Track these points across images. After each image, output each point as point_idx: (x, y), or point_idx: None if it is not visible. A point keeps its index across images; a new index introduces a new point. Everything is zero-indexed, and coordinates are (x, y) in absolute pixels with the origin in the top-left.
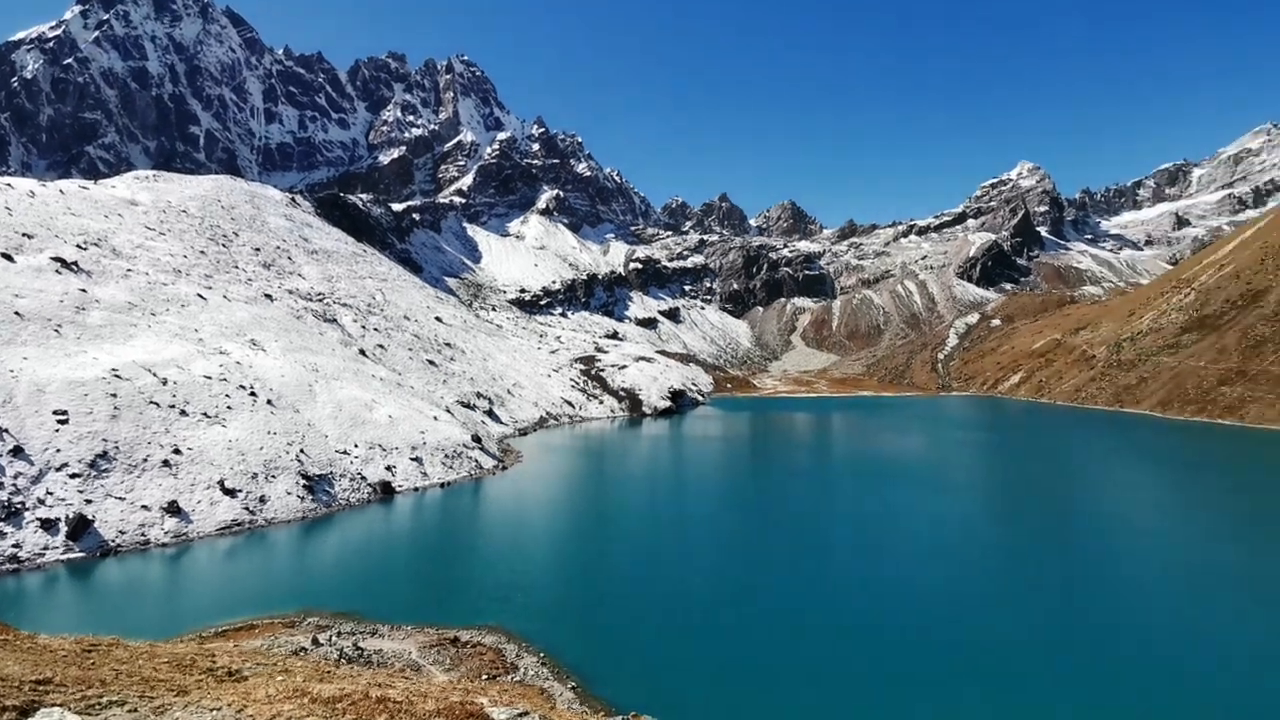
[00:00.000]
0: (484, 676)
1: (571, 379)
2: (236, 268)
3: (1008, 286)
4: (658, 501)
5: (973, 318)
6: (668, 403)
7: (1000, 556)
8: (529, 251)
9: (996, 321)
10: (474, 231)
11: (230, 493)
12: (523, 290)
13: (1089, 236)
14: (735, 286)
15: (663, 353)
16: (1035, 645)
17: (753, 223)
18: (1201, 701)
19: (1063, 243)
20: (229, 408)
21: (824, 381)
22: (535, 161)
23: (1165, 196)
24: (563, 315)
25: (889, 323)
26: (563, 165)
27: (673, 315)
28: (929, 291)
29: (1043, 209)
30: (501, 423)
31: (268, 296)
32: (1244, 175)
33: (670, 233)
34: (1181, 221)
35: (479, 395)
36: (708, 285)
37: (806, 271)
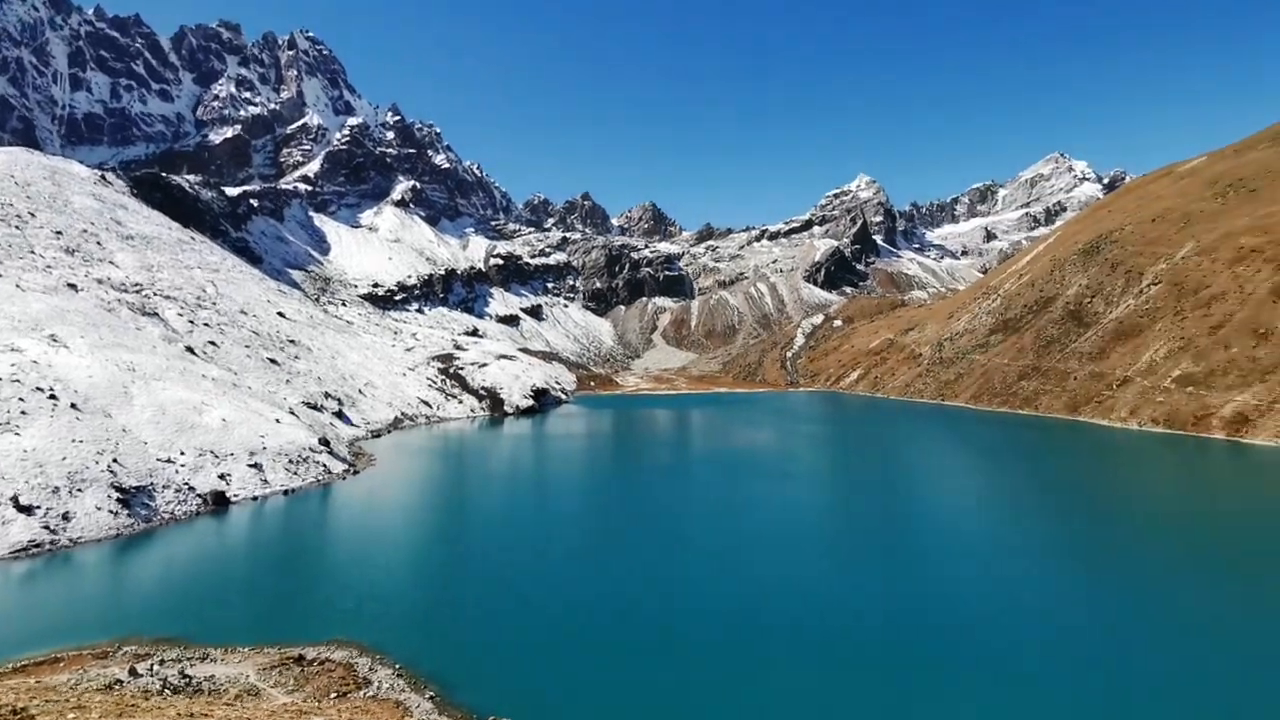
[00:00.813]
0: (333, 695)
1: (429, 378)
2: (32, 253)
3: (848, 290)
4: (519, 502)
5: (818, 318)
6: (530, 401)
7: (849, 540)
8: (383, 244)
9: (838, 322)
10: (322, 221)
11: (26, 510)
12: (376, 285)
13: (916, 246)
14: (598, 285)
15: (525, 350)
16: (883, 622)
17: (615, 222)
18: (1039, 662)
19: (895, 251)
20: (23, 413)
21: (683, 379)
22: (390, 150)
23: (977, 212)
24: (419, 311)
25: (743, 322)
26: (419, 156)
27: (535, 313)
28: (779, 293)
29: (878, 219)
30: (353, 424)
31: (71, 286)
32: (1038, 197)
33: (532, 229)
34: (990, 235)
35: (327, 396)
36: (570, 283)
37: (667, 272)
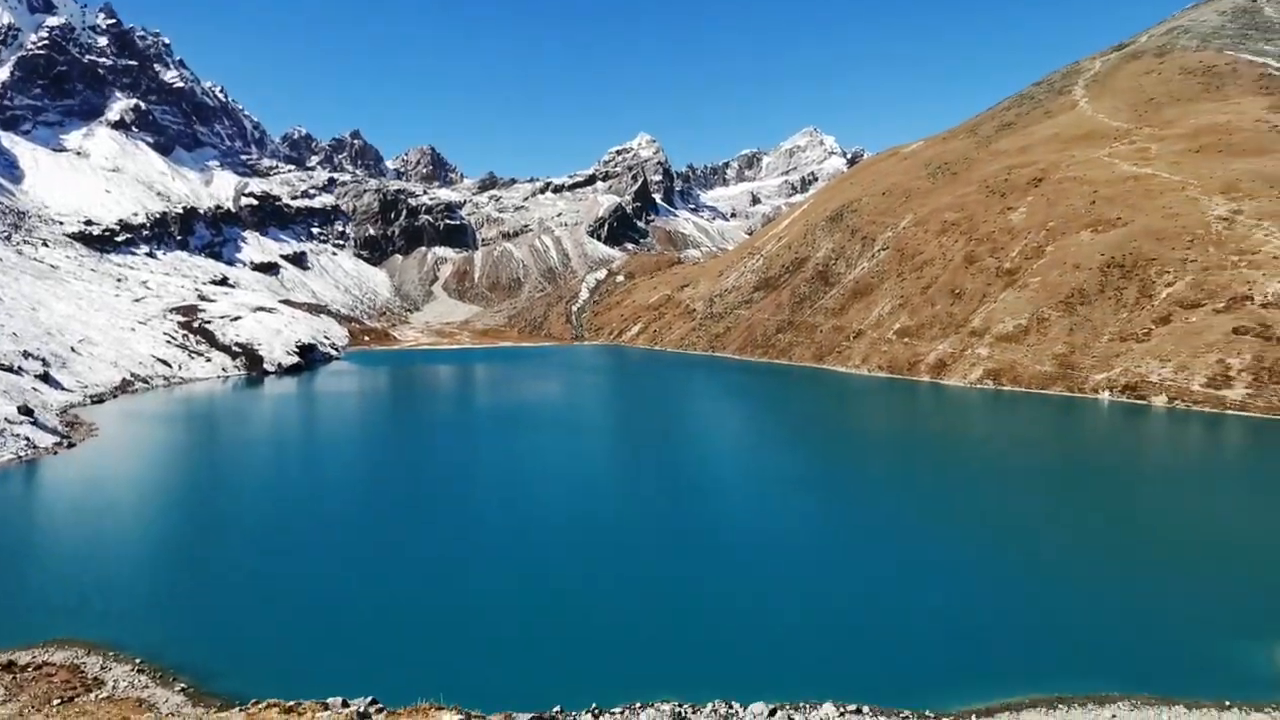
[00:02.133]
0: (55, 701)
1: (167, 333)
2: None
3: (630, 246)
4: (280, 469)
5: (601, 273)
6: (295, 359)
7: (636, 484)
8: (97, 173)
9: (621, 278)
10: (13, 142)
11: None
12: (89, 222)
13: (692, 206)
14: (371, 232)
15: (287, 302)
16: (657, 537)
17: (390, 165)
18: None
19: (673, 210)
20: None
21: (467, 333)
22: (103, 60)
23: (745, 177)
24: (151, 256)
25: (528, 276)
26: (144, 69)
27: (299, 260)
28: (564, 247)
29: (658, 178)
30: (65, 389)
31: None
32: (795, 166)
33: (293, 167)
34: (755, 199)
35: (27, 355)
36: (340, 229)
37: (448, 221)
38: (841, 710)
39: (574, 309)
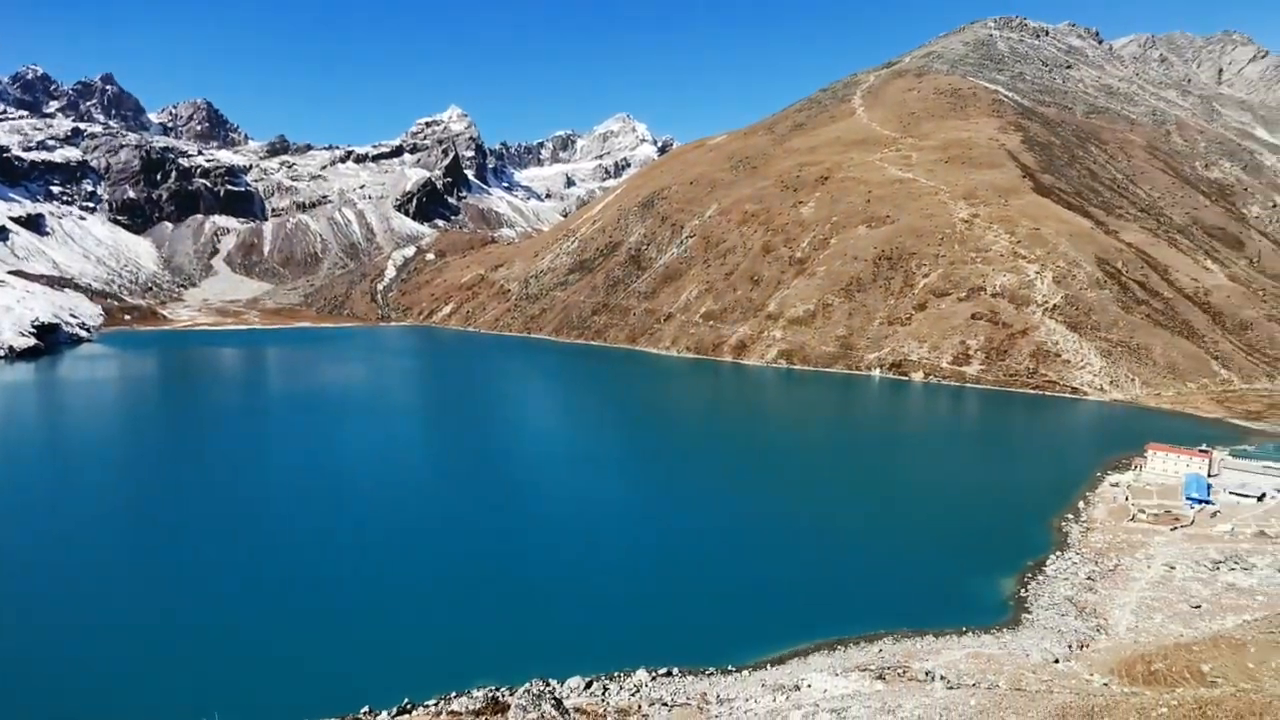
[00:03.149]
0: None
1: None
2: None
3: (441, 223)
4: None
5: (410, 250)
6: (32, 340)
7: (450, 472)
8: None
9: (431, 256)
10: None
11: None
12: None
13: (506, 185)
14: (132, 195)
15: (19, 274)
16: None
17: (154, 118)
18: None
19: (486, 188)
20: None
21: (255, 313)
22: None
23: (559, 159)
24: None
25: (327, 251)
26: None
27: (34, 224)
28: (368, 222)
29: (470, 154)
30: None
31: None
32: (609, 151)
33: (26, 113)
34: (570, 181)
35: None
36: (90, 189)
37: (230, 186)
38: (653, 674)
39: (380, 287)
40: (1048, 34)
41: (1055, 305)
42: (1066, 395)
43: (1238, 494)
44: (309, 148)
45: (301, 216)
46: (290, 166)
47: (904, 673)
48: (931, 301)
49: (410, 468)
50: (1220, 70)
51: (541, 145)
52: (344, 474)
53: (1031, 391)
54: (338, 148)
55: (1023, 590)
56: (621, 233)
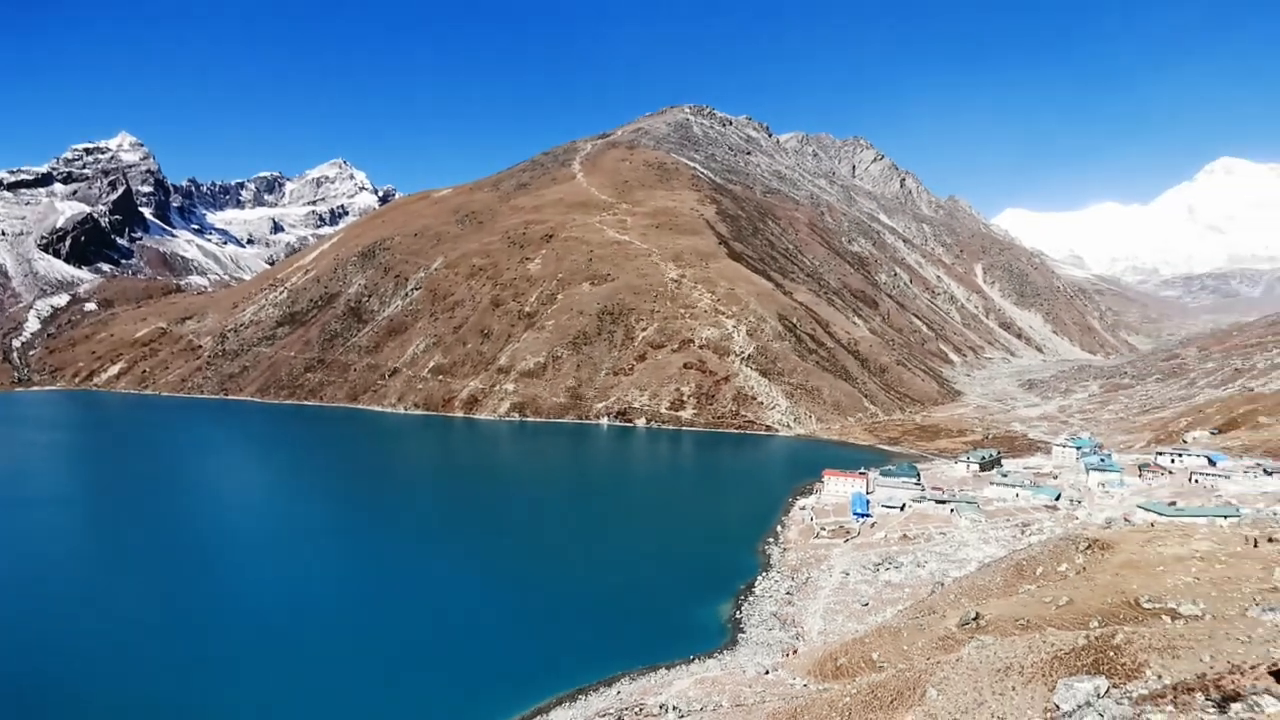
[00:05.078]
0: None
1: None
2: None
3: (106, 268)
4: None
5: (61, 299)
6: None
7: (129, 565)
8: None
9: (92, 305)
10: None
11: None
12: None
13: (196, 227)
14: None
15: None
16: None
17: None
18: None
19: (169, 228)
20: None
21: None
22: None
23: (265, 202)
24: None
25: None
26: None
27: None
28: (2, 264)
29: (148, 189)
30: None
31: None
32: (324, 197)
33: None
34: (278, 227)
35: None
36: None
37: None
38: None
39: (17, 344)
40: (731, 124)
41: (750, 355)
42: (762, 433)
43: (887, 506)
44: None
45: None
46: None
47: (641, 710)
48: (650, 353)
49: (72, 563)
50: (854, 167)
51: (242, 185)
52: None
53: (736, 431)
54: None
55: (738, 612)
56: (340, 283)
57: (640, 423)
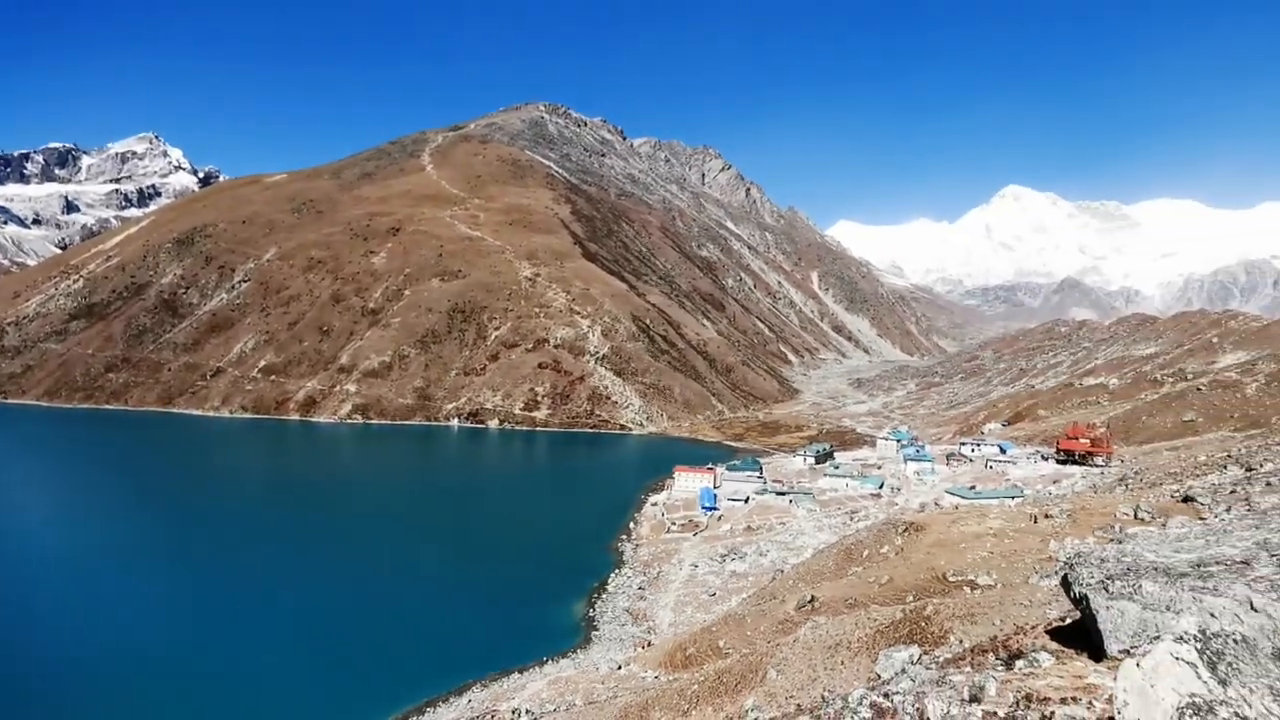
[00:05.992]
0: None
1: None
2: None
3: None
4: None
5: None
6: None
7: None
8: None
9: None
10: None
11: None
12: None
13: None
14: None
15: None
16: None
17: None
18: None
19: None
20: None
21: None
22: None
23: (56, 177)
24: None
25: None
26: None
27: None
28: None
29: None
30: None
31: None
32: (130, 175)
33: None
34: (72, 206)
35: None
36: None
37: None
38: None
39: None
40: (587, 125)
41: (604, 355)
42: (616, 431)
43: (733, 499)
44: None
45: None
46: None
47: (493, 717)
48: (503, 352)
49: None
50: (704, 175)
51: (27, 157)
52: None
53: (591, 430)
54: None
55: (591, 610)
56: (150, 272)
57: (493, 424)
